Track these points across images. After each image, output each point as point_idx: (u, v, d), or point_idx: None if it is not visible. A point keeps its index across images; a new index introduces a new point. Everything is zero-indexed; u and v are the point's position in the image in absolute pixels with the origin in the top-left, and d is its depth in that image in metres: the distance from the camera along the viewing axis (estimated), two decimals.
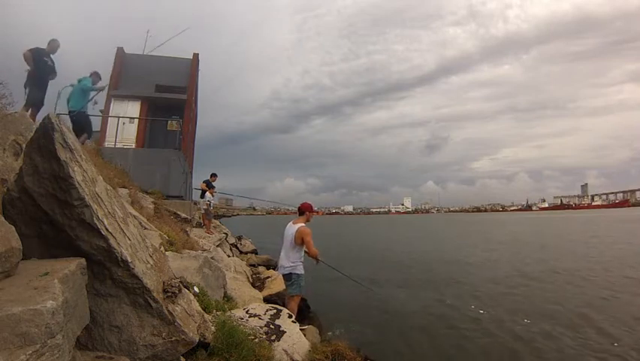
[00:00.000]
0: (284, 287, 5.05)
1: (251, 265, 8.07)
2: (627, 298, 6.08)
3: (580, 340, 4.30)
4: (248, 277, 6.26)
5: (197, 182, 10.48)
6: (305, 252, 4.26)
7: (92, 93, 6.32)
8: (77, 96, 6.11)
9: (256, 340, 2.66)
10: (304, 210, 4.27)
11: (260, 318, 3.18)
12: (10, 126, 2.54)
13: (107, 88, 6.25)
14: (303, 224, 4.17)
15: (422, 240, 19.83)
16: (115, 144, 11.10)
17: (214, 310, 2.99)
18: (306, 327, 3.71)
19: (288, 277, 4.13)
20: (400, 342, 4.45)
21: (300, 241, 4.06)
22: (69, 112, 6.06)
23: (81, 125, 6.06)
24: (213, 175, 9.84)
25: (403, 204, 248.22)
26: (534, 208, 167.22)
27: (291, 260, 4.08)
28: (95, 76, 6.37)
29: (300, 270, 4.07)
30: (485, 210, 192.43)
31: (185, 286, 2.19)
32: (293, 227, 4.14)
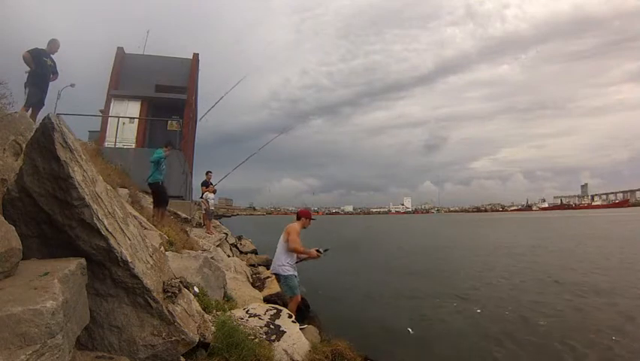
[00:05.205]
0: None
1: (251, 265, 8.07)
2: None
3: None
4: (248, 277, 6.26)
5: (197, 182, 10.48)
6: (301, 258, 4.29)
7: (163, 162, 6.50)
8: (151, 170, 6.35)
9: (256, 340, 2.66)
10: (301, 216, 4.39)
11: (260, 318, 3.18)
12: (10, 126, 2.54)
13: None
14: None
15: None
16: (115, 144, 11.10)
17: (214, 310, 3.00)
18: (306, 327, 3.71)
19: (277, 278, 4.20)
20: (400, 342, 4.45)
21: (286, 238, 4.10)
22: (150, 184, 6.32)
23: (156, 195, 6.36)
24: (208, 172, 9.79)
25: (403, 205, 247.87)
26: (534, 208, 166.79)
27: (277, 262, 4.18)
28: (171, 149, 6.61)
29: (286, 271, 4.10)
30: (485, 211, 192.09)
31: (185, 286, 2.19)
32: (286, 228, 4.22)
